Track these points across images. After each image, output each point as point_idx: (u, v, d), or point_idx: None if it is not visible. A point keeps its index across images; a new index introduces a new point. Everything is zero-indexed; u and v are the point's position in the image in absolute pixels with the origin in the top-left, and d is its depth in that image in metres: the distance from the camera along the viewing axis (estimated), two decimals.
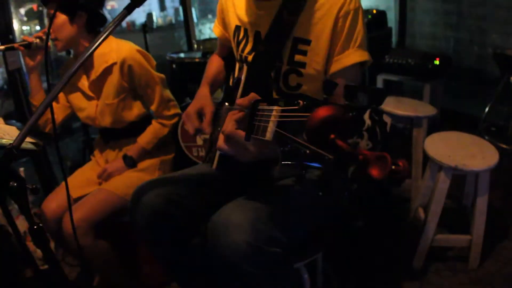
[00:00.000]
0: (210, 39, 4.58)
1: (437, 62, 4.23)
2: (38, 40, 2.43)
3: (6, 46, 2.43)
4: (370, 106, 0.86)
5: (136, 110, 2.63)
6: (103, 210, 2.39)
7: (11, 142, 1.22)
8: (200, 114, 1.92)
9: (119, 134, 2.69)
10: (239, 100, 1.38)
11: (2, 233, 2.74)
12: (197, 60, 4.13)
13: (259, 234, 1.43)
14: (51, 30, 2.41)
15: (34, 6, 9.42)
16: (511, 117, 3.63)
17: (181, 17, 10.95)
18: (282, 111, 1.10)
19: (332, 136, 0.84)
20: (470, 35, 4.79)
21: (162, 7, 10.51)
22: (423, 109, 3.41)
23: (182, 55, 4.41)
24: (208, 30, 7.98)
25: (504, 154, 2.79)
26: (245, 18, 1.89)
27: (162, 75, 2.63)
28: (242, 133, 1.31)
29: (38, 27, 7.22)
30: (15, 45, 2.42)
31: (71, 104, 2.68)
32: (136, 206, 1.79)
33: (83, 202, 2.38)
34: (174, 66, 4.22)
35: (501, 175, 2.97)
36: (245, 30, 1.90)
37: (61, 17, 2.40)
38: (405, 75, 4.52)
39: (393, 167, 0.76)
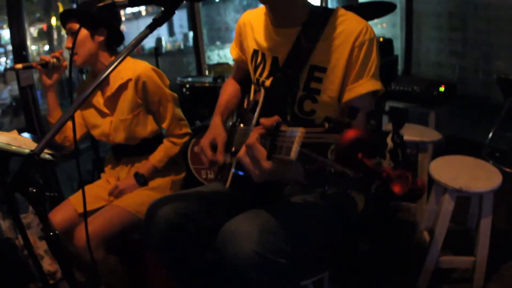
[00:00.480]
0: (221, 64, 4.63)
1: (442, 89, 4.27)
2: (55, 60, 2.51)
3: (24, 65, 2.51)
4: (392, 130, 0.93)
5: (149, 126, 2.68)
6: (114, 225, 2.42)
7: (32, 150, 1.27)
8: (213, 145, 1.97)
9: (131, 151, 2.73)
10: (263, 119, 1.41)
11: (8, 246, 2.76)
12: (207, 84, 4.17)
13: (266, 244, 1.48)
14: (70, 45, 2.49)
15: (44, 26, 9.57)
16: None
17: (190, 42, 11.11)
18: (307, 132, 1.15)
19: (360, 155, 0.91)
20: (475, 63, 4.85)
21: (171, 33, 10.65)
22: (428, 134, 3.47)
23: (192, 79, 4.47)
24: (217, 56, 8.07)
25: (508, 178, 2.82)
26: (263, 43, 1.95)
27: (175, 94, 2.69)
28: (263, 150, 1.34)
29: (47, 47, 7.33)
30: (34, 64, 2.50)
31: (85, 122, 2.73)
32: (151, 219, 1.84)
33: (95, 216, 2.42)
34: (184, 90, 4.26)
35: (505, 198, 3.01)
36: (263, 55, 1.96)
37: (83, 32, 2.48)
38: (411, 102, 4.55)
39: (412, 186, 0.86)
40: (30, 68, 2.53)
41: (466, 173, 2.73)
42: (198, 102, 4.20)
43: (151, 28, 1.41)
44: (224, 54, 9.91)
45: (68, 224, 2.48)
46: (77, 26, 2.48)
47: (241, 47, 2.17)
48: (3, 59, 11.07)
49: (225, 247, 1.52)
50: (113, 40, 2.61)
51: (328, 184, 1.10)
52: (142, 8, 10.95)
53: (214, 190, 2.02)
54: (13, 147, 1.80)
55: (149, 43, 11.97)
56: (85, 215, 1.65)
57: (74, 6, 3.64)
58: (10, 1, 3.52)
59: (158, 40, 10.43)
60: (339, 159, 0.96)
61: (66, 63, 2.56)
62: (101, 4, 1.37)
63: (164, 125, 2.69)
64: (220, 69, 4.31)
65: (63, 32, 11.02)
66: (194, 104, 4.21)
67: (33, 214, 3.05)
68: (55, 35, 10.13)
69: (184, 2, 1.47)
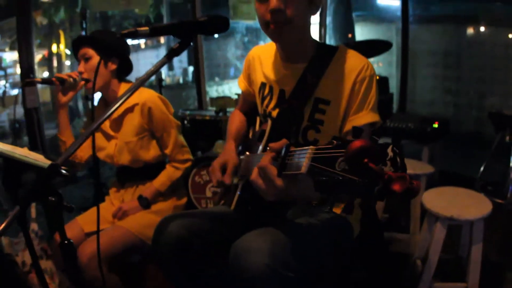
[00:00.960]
0: (223, 97, 4.74)
1: (435, 125, 4.38)
2: (71, 79, 2.62)
3: (43, 79, 2.67)
4: (392, 141, 1.08)
5: (152, 151, 2.77)
6: (117, 245, 2.49)
7: (49, 163, 1.37)
8: (224, 168, 2.05)
9: (135, 174, 2.82)
10: (272, 144, 1.52)
11: (8, 262, 2.78)
12: (207, 118, 4.29)
13: (276, 258, 1.57)
14: (83, 70, 2.62)
15: (46, 52, 9.69)
16: (507, 174, 3.79)
17: (189, 77, 11.24)
18: (317, 148, 1.26)
19: (366, 160, 1.04)
20: (469, 99, 4.99)
21: (170, 67, 10.84)
22: (421, 168, 3.59)
23: (194, 112, 4.57)
24: (215, 92, 8.18)
25: (500, 208, 2.93)
26: (271, 77, 2.08)
27: (178, 122, 2.80)
28: (274, 169, 1.45)
29: (46, 73, 7.44)
30: (53, 78, 2.61)
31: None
32: (160, 234, 1.91)
33: (99, 235, 2.48)
34: (185, 122, 4.36)
35: (497, 228, 3.10)
36: (271, 88, 2.08)
37: (97, 59, 2.61)
38: (405, 139, 4.66)
39: (410, 185, 1.02)
40: (49, 83, 2.65)
41: (457, 203, 2.83)
42: (199, 135, 4.30)
43: (169, 57, 1.53)
44: (222, 90, 10.05)
45: (76, 242, 2.54)
46: (90, 52, 2.60)
47: (249, 79, 2.29)
48: (3, 82, 11.17)
49: (237, 260, 1.61)
50: (123, 69, 2.73)
51: (335, 194, 1.22)
52: (142, 41, 11.15)
53: (220, 211, 2.11)
54: (31, 160, 1.89)
55: None
56: (98, 233, 1.71)
57: (83, 33, 3.75)
58: (21, 25, 3.64)
59: (158, 73, 10.57)
60: (347, 164, 1.10)
61: (82, 83, 2.66)
62: (125, 32, 1.48)
63: (167, 151, 2.78)
64: (223, 102, 4.42)
65: (64, 59, 11.07)
66: (195, 137, 4.30)
67: (33, 233, 3.11)
68: (55, 63, 10.26)
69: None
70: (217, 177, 2.01)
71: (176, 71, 10.95)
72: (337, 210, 1.96)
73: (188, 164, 2.86)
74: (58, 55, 10.62)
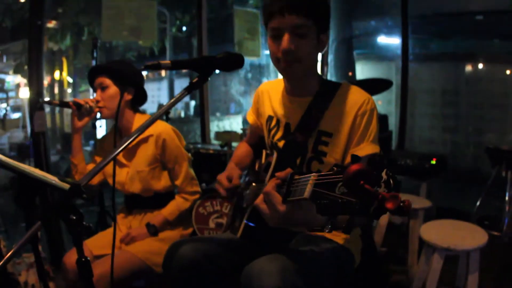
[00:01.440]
0: (229, 132, 4.82)
1: (433, 162, 4.47)
2: (88, 106, 2.71)
3: (60, 101, 2.78)
4: (386, 166, 1.21)
5: (163, 181, 2.85)
6: (123, 269, 2.52)
7: (69, 185, 1.47)
8: (229, 179, 2.16)
9: (144, 203, 2.88)
10: (278, 173, 1.63)
11: (10, 282, 2.83)
12: (211, 151, 4.40)
13: (286, 281, 1.66)
14: (100, 99, 2.71)
15: (49, 78, 9.80)
16: (503, 208, 3.87)
17: (191, 111, 11.36)
18: (319, 175, 1.38)
19: (362, 182, 1.16)
20: (467, 137, 5.08)
21: None
22: (419, 202, 3.70)
23: (197, 145, 4.66)
24: (216, 127, 8.29)
25: (496, 241, 3.01)
26: (278, 110, 2.20)
27: (190, 155, 2.90)
28: (278, 195, 1.57)
29: (46, 99, 7.55)
30: (70, 102, 2.72)
31: (103, 171, 2.87)
32: (172, 257, 1.99)
33: (105, 259, 2.52)
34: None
35: (493, 260, 3.18)
36: (277, 120, 2.20)
37: (114, 89, 2.71)
38: (403, 175, 4.74)
39: (401, 203, 1.14)
40: (65, 106, 2.75)
41: (454, 234, 2.94)
42: (202, 168, 4.37)
43: (188, 90, 1.66)
44: (223, 125, 10.16)
45: None
46: (107, 81, 2.69)
47: (258, 113, 2.40)
48: (4, 105, 11.23)
49: (250, 282, 1.70)
50: (138, 100, 2.83)
51: (336, 215, 1.34)
52: (143, 73, 11.30)
53: (227, 238, 2.18)
54: (51, 180, 1.98)
55: (150, 108, 12.28)
56: (113, 254, 1.82)
57: (94, 62, 3.86)
58: (32, 48, 3.75)
59: (160, 106, 10.68)
60: (346, 187, 1.22)
61: (98, 110, 2.75)
62: (149, 64, 1.60)
63: (178, 182, 2.85)
64: (228, 137, 4.50)
65: (66, 86, 11.11)
66: (199, 170, 4.37)
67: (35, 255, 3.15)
68: (56, 90, 10.35)
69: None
70: (225, 186, 2.13)
71: (177, 105, 11.05)
72: (339, 240, 2.06)
73: (197, 196, 2.93)
74: (60, 82, 10.74)
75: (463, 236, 2.88)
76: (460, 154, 5.26)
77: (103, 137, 3.06)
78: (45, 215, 1.48)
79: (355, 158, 1.26)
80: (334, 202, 1.27)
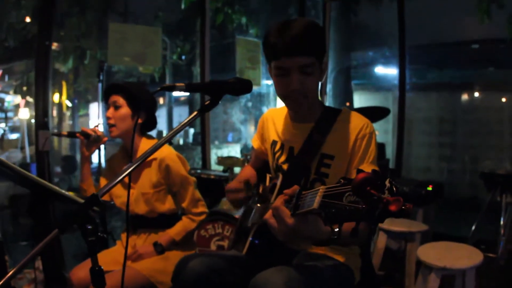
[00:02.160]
0: (231, 157, 4.89)
1: (430, 188, 4.54)
2: (95, 135, 2.80)
3: (69, 132, 2.85)
4: (388, 176, 1.33)
5: (168, 204, 2.89)
6: (128, 285, 2.55)
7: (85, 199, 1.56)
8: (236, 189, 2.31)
9: (149, 224, 2.92)
10: (286, 191, 1.75)
11: None
12: (212, 177, 4.48)
13: None
14: (111, 116, 2.76)
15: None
16: (499, 232, 3.93)
17: (190, 139, 11.44)
18: (327, 188, 1.49)
19: (368, 188, 1.28)
20: (463, 165, 5.16)
21: (171, 128, 11.02)
22: (415, 226, 3.80)
23: (198, 170, 4.74)
24: (214, 155, 8.36)
25: (492, 263, 3.09)
26: (282, 135, 2.31)
27: (195, 178, 2.94)
28: (287, 210, 1.67)
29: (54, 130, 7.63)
30: (77, 134, 2.81)
31: (110, 192, 2.92)
32: (181, 270, 2.05)
33: (111, 275, 2.54)
34: None
35: (490, 282, 3.25)
36: (282, 145, 2.30)
37: (126, 110, 2.76)
38: None
39: (403, 206, 1.24)
40: (74, 137, 2.83)
41: (450, 254, 3.02)
42: (204, 193, 4.43)
43: (200, 111, 1.76)
44: (221, 153, 10.23)
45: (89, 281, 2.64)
46: (121, 101, 2.76)
47: (262, 138, 2.50)
48: (3, 124, 11.24)
49: None
50: (148, 125, 2.91)
51: (344, 222, 1.46)
52: None
53: (233, 254, 2.26)
54: (67, 194, 2.06)
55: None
56: (124, 268, 1.89)
57: (100, 84, 3.94)
58: (39, 68, 3.83)
59: (159, 133, 10.77)
60: (353, 193, 1.34)
61: (106, 139, 2.85)
62: (165, 85, 1.72)
63: (184, 205, 2.90)
64: (231, 162, 4.57)
65: (64, 109, 11.11)
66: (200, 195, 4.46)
67: (39, 271, 3.20)
68: (54, 113, 10.37)
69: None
70: (236, 187, 2.30)
71: None
72: (339, 258, 2.14)
73: (203, 216, 2.97)
74: (59, 105, 10.78)
75: (459, 256, 2.97)
76: (457, 182, 5.34)
77: (112, 157, 3.10)
78: (62, 224, 1.54)
79: (360, 171, 1.36)
80: (342, 210, 1.39)
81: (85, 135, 2.80)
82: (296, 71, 1.99)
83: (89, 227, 1.54)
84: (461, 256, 2.97)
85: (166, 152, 2.82)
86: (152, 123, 2.94)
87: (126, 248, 1.84)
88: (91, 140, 2.82)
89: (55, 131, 4.54)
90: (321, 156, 2.14)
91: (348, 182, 1.41)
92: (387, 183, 1.31)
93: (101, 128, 2.90)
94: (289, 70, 2.00)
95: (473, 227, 4.01)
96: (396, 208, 1.24)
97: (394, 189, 1.30)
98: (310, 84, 2.04)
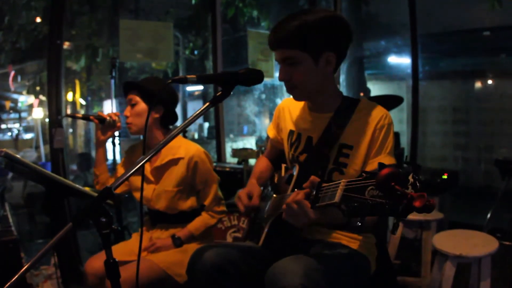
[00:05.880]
0: (246, 149, 4.91)
1: (445, 176, 4.54)
2: (111, 119, 2.83)
3: (83, 115, 2.89)
4: (412, 171, 1.35)
5: (189, 202, 2.89)
6: (142, 276, 2.55)
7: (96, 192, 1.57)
8: (249, 196, 2.28)
9: (168, 219, 2.92)
10: (306, 184, 1.78)
11: None
12: (227, 169, 4.54)
13: (310, 278, 1.76)
14: (129, 115, 2.79)
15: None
16: None
17: (204, 133, 11.45)
18: (348, 181, 1.52)
19: (393, 183, 1.31)
20: (478, 153, 5.14)
21: None
22: (431, 214, 3.73)
23: (214, 163, 4.75)
24: (229, 148, 8.37)
25: (508, 251, 3.09)
26: (300, 125, 2.31)
27: (219, 177, 2.96)
28: (308, 203, 1.72)
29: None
30: (91, 117, 2.84)
31: (130, 183, 2.96)
32: (196, 261, 2.07)
33: (127, 266, 2.55)
34: None
35: (506, 270, 3.24)
36: (299, 135, 2.30)
37: (142, 106, 2.78)
38: None
39: (427, 202, 1.27)
40: (88, 120, 2.86)
41: (465, 242, 3.03)
42: (219, 185, 4.47)
43: (212, 102, 1.78)
44: (237, 146, 10.23)
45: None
46: (137, 98, 2.77)
47: (278, 128, 2.50)
48: (17, 125, 11.32)
49: (274, 281, 1.80)
50: (167, 119, 2.89)
51: (365, 216, 1.47)
52: None
53: (249, 246, 2.27)
54: (83, 189, 2.08)
55: None
56: (138, 260, 1.87)
57: (113, 81, 3.94)
58: (52, 67, 3.86)
59: (174, 128, 10.74)
60: (377, 188, 1.37)
61: (120, 124, 2.87)
62: (176, 78, 1.72)
63: (206, 202, 2.89)
64: (246, 153, 4.57)
65: (78, 108, 11.14)
66: None
67: (54, 267, 3.22)
68: (68, 111, 10.41)
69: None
70: (245, 203, 2.23)
71: (191, 127, 11.14)
72: (355, 246, 2.16)
73: (223, 215, 2.98)
74: (73, 104, 10.83)
75: (474, 244, 2.97)
76: (472, 171, 5.31)
77: (131, 148, 3.11)
78: (76, 217, 1.55)
79: (383, 165, 1.37)
80: (364, 204, 1.41)
81: (100, 119, 2.83)
82: (281, 62, 2.07)
83: (103, 219, 1.55)
84: (477, 244, 2.97)
85: (194, 149, 2.82)
86: (173, 117, 2.93)
87: (140, 241, 1.85)
88: (106, 125, 2.84)
89: (69, 113, 4.58)
90: (340, 146, 2.15)
91: (370, 176, 1.43)
92: (410, 178, 1.34)
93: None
94: (278, 61, 2.09)
95: (488, 215, 3.99)
96: (421, 204, 1.27)
97: (418, 184, 1.33)
98: (297, 75, 2.06)
